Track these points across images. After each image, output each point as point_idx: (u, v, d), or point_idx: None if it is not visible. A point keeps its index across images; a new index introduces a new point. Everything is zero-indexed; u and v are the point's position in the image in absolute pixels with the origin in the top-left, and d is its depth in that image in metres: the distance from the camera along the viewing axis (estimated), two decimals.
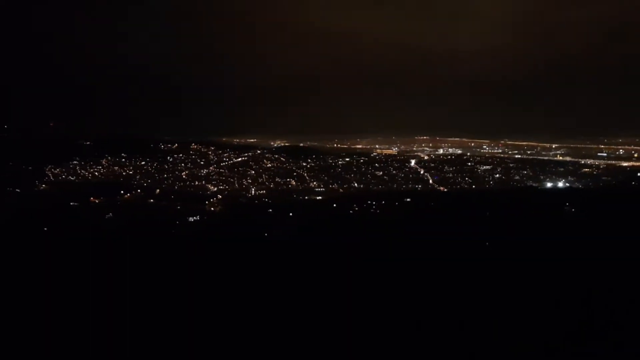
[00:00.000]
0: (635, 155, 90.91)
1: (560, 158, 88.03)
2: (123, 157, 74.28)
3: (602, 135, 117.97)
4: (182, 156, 76.96)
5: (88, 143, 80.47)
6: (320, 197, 59.39)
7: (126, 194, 52.73)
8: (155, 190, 57.50)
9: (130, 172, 70.96)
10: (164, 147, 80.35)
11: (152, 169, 72.32)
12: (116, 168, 71.97)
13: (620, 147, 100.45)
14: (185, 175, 71.05)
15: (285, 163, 77.04)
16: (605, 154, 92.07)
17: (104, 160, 73.23)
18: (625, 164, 79.75)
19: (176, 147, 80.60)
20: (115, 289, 8.41)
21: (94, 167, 71.58)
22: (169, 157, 76.12)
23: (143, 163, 73.69)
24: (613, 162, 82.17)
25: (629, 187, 51.74)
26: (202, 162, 76.12)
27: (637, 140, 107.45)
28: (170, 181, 68.26)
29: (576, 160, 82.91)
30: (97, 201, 48.77)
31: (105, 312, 7.34)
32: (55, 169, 68.12)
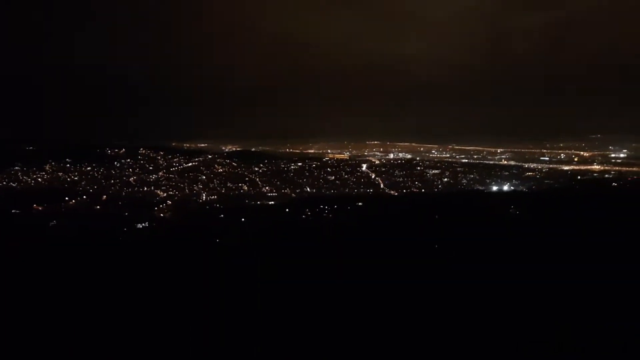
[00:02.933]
0: (576, 159, 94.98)
1: (505, 162, 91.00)
2: (68, 163, 71.84)
3: (544, 139, 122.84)
4: (130, 161, 75.14)
5: (31, 148, 77.61)
6: (272, 202, 59.16)
7: (71, 201, 51.15)
8: (102, 197, 55.98)
9: (76, 178, 68.66)
10: (111, 152, 78.33)
11: (98, 174, 70.23)
12: (60, 174, 69.50)
13: (561, 151, 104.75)
14: (134, 180, 69.35)
15: (237, 168, 76.35)
16: (547, 158, 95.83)
17: (48, 165, 70.62)
18: (566, 167, 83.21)
19: (124, 152, 78.62)
20: (58, 297, 8.14)
21: (37, 173, 68.89)
22: (116, 163, 74.14)
23: (89, 169, 71.46)
24: (555, 166, 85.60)
25: (570, 189, 53.96)
26: (151, 168, 74.52)
27: (577, 144, 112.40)
28: (117, 187, 66.42)
29: (520, 164, 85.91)
30: (40, 208, 47.08)
31: (46, 320, 7.10)
32: None
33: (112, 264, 12.29)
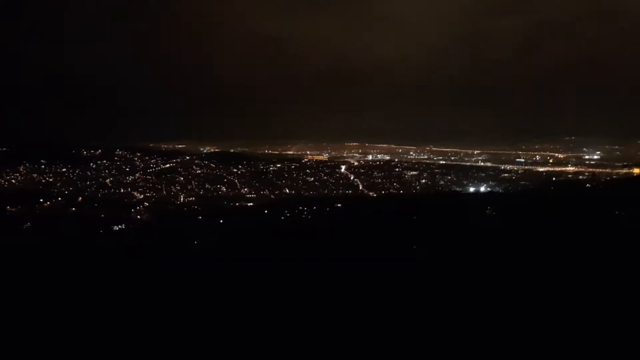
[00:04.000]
0: (551, 160, 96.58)
1: (482, 164, 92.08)
2: (42, 164, 70.67)
3: (520, 141, 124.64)
4: (106, 163, 74.17)
5: (4, 149, 76.06)
6: (251, 204, 58.99)
7: (46, 203, 50.29)
8: (78, 198, 55.22)
9: (51, 180, 67.53)
10: (86, 154, 77.19)
11: (74, 176, 69.21)
12: (35, 175, 68.31)
13: (536, 153, 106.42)
14: (110, 182, 68.51)
15: (215, 169, 75.90)
16: (523, 160, 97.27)
17: (22, 167, 69.38)
18: (541, 169, 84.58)
19: (100, 153, 77.57)
20: (33, 300, 8.01)
21: (11, 174, 67.68)
22: (92, 164, 73.14)
23: (64, 170, 70.38)
24: (530, 167, 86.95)
25: (546, 191, 54.85)
26: (127, 169, 73.68)
27: (552, 146, 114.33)
28: (93, 189, 65.52)
29: (496, 165, 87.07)
30: (14, 210, 46.22)
31: (22, 324, 6.98)
32: None
33: (88, 268, 12.14)
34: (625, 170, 72.83)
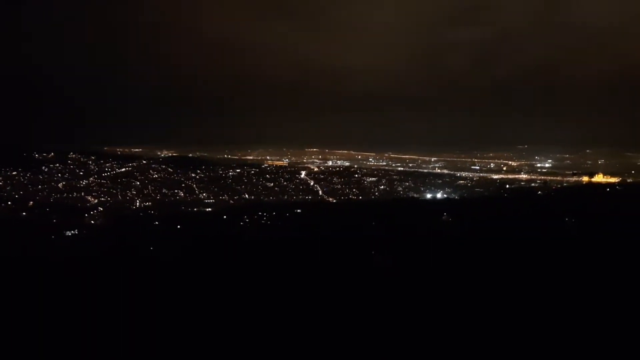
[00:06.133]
0: (504, 168, 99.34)
1: (439, 171, 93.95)
2: None
3: (475, 149, 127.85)
4: (59, 166, 71.99)
5: None
6: (210, 209, 58.35)
7: None
8: (29, 203, 53.46)
9: (0, 183, 65.03)
10: (38, 157, 74.73)
11: (24, 179, 66.81)
12: None
13: (491, 160, 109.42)
14: (63, 186, 66.50)
15: (173, 174, 74.67)
16: (478, 167, 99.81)
17: None
18: (495, 176, 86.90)
19: (52, 156, 75.23)
20: None
21: None
22: (44, 167, 70.87)
23: (14, 173, 67.81)
24: (485, 174, 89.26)
25: (499, 197, 56.33)
26: (81, 173, 71.69)
27: (505, 154, 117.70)
28: (45, 193, 63.45)
29: (453, 172, 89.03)
30: None
31: None
32: None
33: (36, 276, 11.74)
34: (574, 179, 75.63)
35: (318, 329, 7.38)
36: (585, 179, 71.64)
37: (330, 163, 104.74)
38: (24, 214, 48.33)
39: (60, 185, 66.65)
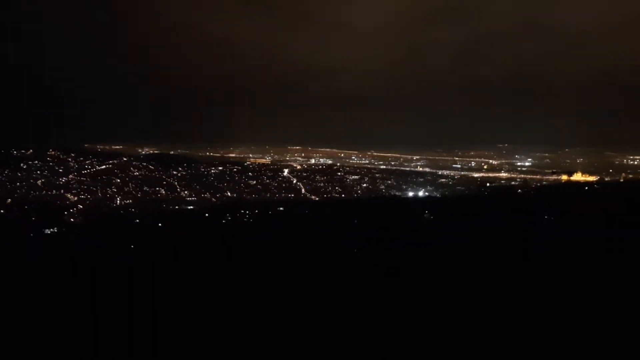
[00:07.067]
0: (485, 167, 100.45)
1: (421, 169, 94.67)
2: None
3: (456, 148, 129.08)
4: (38, 163, 70.98)
5: None
6: (192, 207, 58.03)
7: None
8: (7, 200, 52.67)
9: None
10: (17, 154, 73.84)
11: (2, 177, 65.75)
12: None
13: (472, 159, 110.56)
14: (42, 183, 65.57)
15: (154, 171, 74.10)
16: (459, 166, 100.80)
17: None
18: (476, 175, 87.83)
19: (31, 153, 74.26)
20: None
21: None
22: (22, 164, 69.81)
23: None
24: (466, 173, 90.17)
25: (480, 195, 56.86)
26: (61, 170, 70.76)
27: (486, 153, 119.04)
28: (24, 190, 62.48)
29: (434, 171, 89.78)
30: None
31: None
32: None
33: (15, 274, 11.59)
34: (554, 177, 76.68)
35: (300, 328, 7.40)
36: (564, 177, 72.65)
37: (313, 161, 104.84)
38: (1, 211, 47.63)
39: (39, 182, 65.72)
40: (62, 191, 63.50)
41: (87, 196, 62.30)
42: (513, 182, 75.74)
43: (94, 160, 75.81)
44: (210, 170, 76.15)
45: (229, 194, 67.66)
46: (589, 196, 43.93)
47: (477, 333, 7.12)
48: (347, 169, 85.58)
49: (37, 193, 62.10)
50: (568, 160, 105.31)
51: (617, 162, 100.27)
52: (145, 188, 67.21)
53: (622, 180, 68.10)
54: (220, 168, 77.76)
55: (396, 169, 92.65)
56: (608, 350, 6.41)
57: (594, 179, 67.91)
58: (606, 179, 70.15)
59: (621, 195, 37.66)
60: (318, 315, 8.02)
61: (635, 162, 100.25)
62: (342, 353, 6.62)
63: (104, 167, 74.03)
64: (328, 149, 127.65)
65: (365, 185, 74.19)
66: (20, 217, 45.12)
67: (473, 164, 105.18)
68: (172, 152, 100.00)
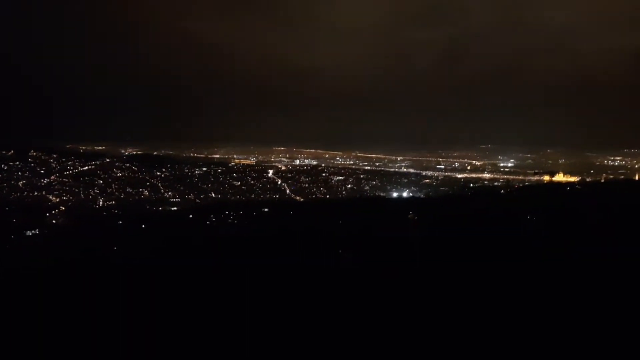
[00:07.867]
0: (469, 167, 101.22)
1: (405, 170, 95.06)
2: None
3: (440, 148, 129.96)
4: (19, 164, 70.05)
5: None
6: (175, 208, 57.71)
7: None
8: None
9: None
10: None
11: None
12: None
13: (455, 160, 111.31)
14: (23, 184, 64.74)
15: (137, 172, 73.51)
16: (443, 167, 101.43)
17: None
18: (459, 175, 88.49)
19: (12, 153, 73.18)
20: None
21: None
22: (3, 165, 68.90)
23: None
24: (450, 173, 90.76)
25: (464, 196, 57.25)
26: (42, 171, 69.91)
27: (469, 153, 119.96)
28: (4, 191, 61.69)
29: (418, 171, 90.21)
30: None
31: None
32: None
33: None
34: (536, 178, 77.45)
35: (286, 329, 7.43)
36: (546, 178, 73.36)
37: (297, 162, 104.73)
38: None
39: (20, 183, 64.95)
40: (44, 192, 62.81)
41: (69, 197, 61.70)
42: (496, 183, 76.42)
43: (76, 161, 75.01)
44: (194, 171, 75.76)
45: (213, 195, 67.40)
46: (571, 196, 44.46)
47: (460, 332, 7.20)
48: (332, 169, 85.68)
49: (19, 194, 61.37)
50: (550, 161, 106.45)
51: (597, 163, 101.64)
52: (128, 189, 66.71)
53: (602, 180, 69.00)
54: (204, 169, 77.39)
55: (380, 170, 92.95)
56: (589, 349, 6.53)
57: (576, 180, 68.74)
58: (587, 180, 71.05)
59: (602, 195, 38.16)
60: (304, 315, 8.05)
61: (615, 163, 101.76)
62: (328, 352, 6.65)
63: (86, 168, 73.27)
64: (313, 150, 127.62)
65: (350, 186, 74.37)
66: (1, 218, 44.45)
67: (457, 164, 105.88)
68: (155, 153, 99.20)
